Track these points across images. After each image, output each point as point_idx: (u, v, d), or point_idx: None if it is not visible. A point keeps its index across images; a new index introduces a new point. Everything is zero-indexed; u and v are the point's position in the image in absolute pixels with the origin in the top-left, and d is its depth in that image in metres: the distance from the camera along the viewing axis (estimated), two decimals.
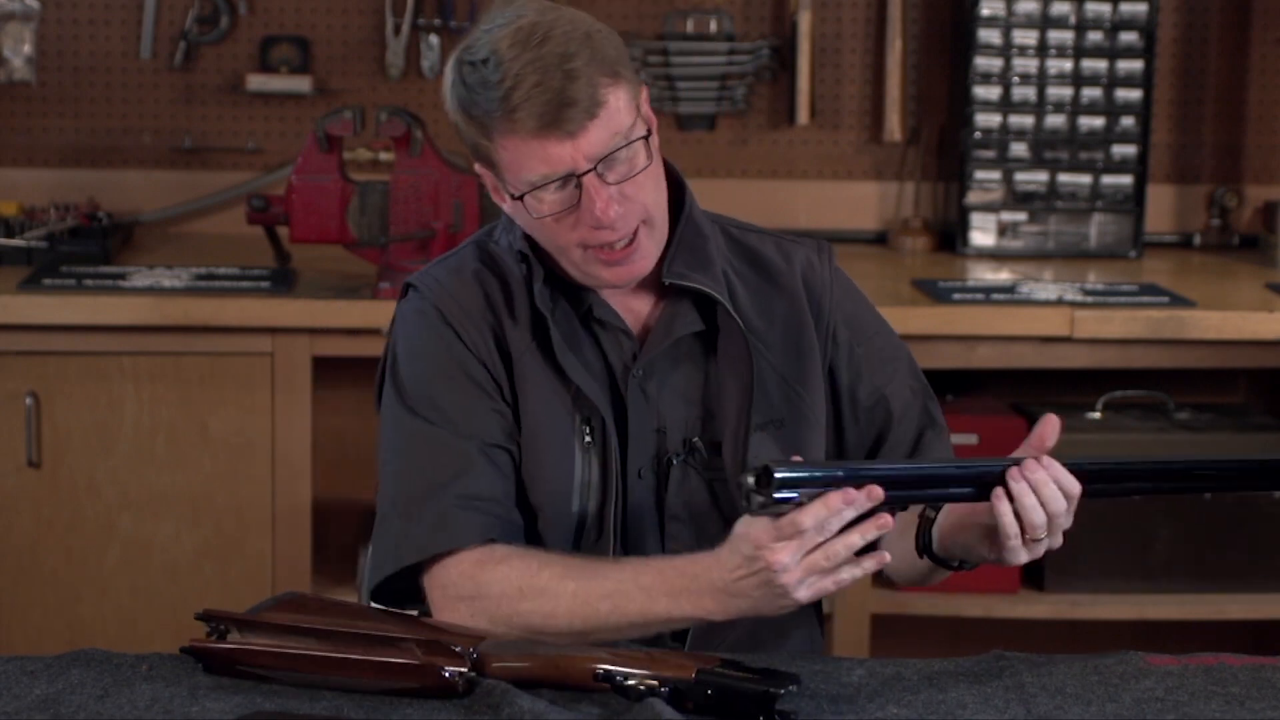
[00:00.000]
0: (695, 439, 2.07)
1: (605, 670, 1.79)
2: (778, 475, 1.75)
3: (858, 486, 1.77)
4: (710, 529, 2.06)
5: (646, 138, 1.97)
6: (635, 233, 1.98)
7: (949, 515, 1.97)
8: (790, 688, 1.75)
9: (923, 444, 2.16)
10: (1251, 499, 3.71)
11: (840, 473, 1.79)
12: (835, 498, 1.75)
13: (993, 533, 1.88)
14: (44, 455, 3.43)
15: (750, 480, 1.77)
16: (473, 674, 1.80)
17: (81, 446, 3.43)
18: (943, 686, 1.88)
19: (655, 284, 2.07)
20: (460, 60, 1.96)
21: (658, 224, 2.02)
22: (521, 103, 1.90)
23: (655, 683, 1.77)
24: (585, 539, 2.05)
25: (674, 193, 2.08)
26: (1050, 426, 1.91)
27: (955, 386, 3.86)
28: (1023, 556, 1.89)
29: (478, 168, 2.03)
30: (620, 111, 1.94)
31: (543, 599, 1.92)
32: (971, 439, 3.69)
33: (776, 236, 2.19)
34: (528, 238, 2.05)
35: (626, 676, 1.78)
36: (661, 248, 2.04)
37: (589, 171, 1.93)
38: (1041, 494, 1.88)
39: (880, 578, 2.17)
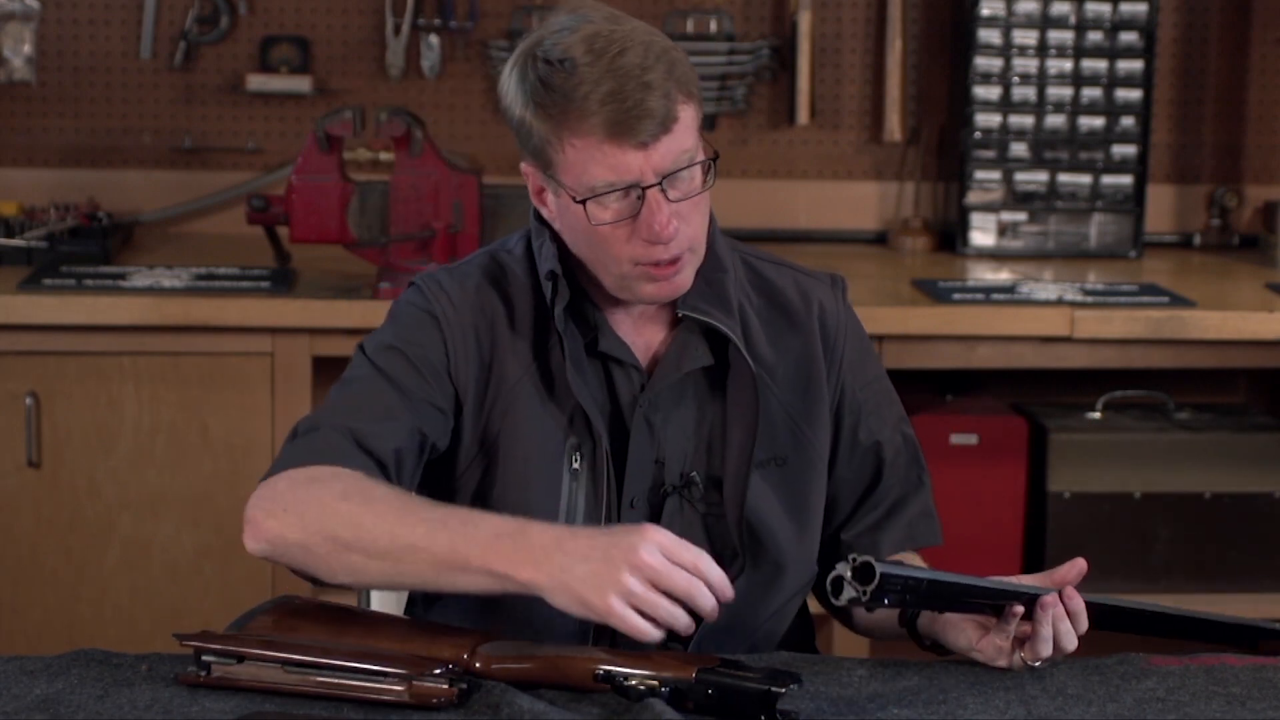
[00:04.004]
0: (694, 473, 2.05)
1: (605, 671, 1.79)
2: (882, 573, 1.74)
3: (945, 593, 1.80)
4: None
5: (713, 161, 1.97)
6: (681, 253, 1.98)
7: None
8: (791, 687, 1.75)
9: (907, 499, 2.18)
10: (1252, 499, 3.71)
11: (927, 579, 1.79)
12: (728, 590, 1.76)
13: (973, 625, 1.92)
14: (44, 455, 3.43)
15: (848, 573, 1.76)
16: (464, 685, 1.78)
17: (81, 446, 3.43)
18: (943, 687, 1.88)
19: (668, 313, 2.06)
20: (533, 56, 1.93)
21: (700, 250, 2.01)
22: (599, 107, 1.89)
23: (655, 683, 1.77)
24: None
25: None
26: (1076, 571, 1.93)
27: (955, 386, 3.86)
28: (1002, 662, 1.92)
29: (525, 167, 2.01)
30: (689, 130, 1.94)
31: (362, 507, 1.85)
32: (971, 439, 3.69)
33: (795, 271, 2.17)
34: (561, 256, 2.03)
35: (627, 677, 1.78)
36: (694, 273, 2.03)
37: (655, 185, 1.92)
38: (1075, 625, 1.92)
39: (848, 620, 2.20)
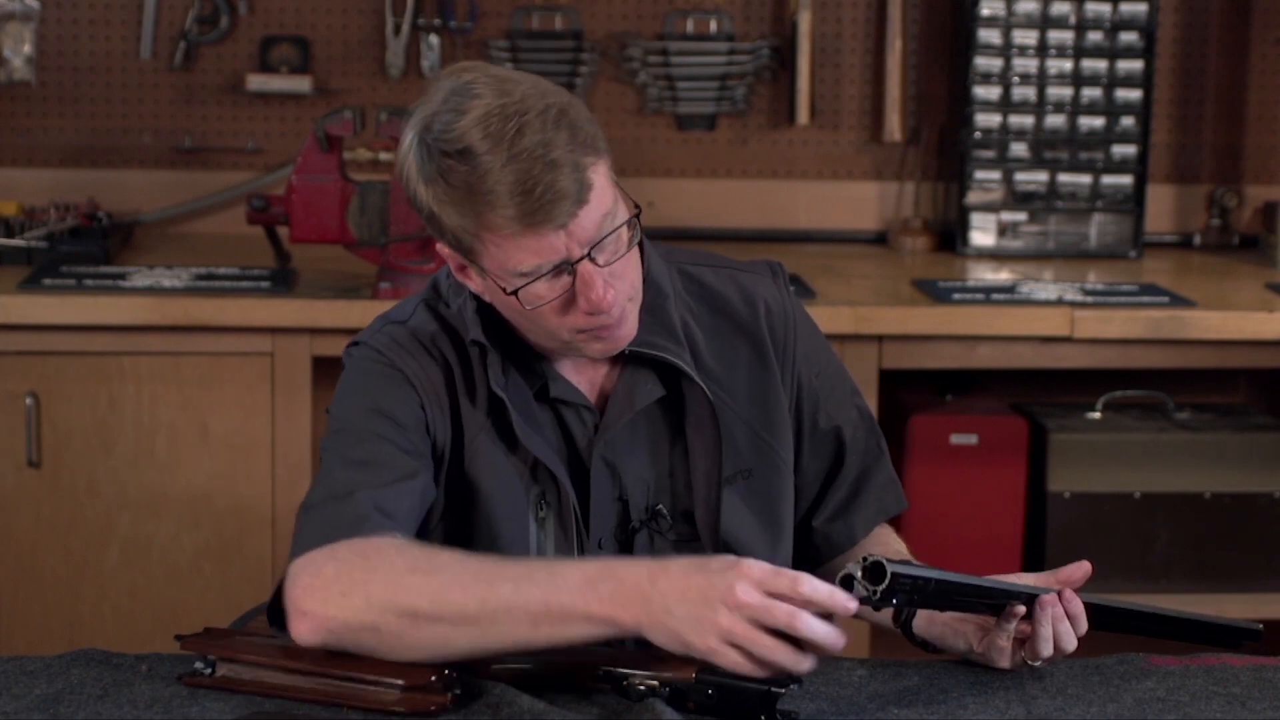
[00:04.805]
0: (659, 506, 2.02)
1: (605, 670, 1.79)
2: (892, 571, 1.74)
3: (950, 592, 1.80)
4: None
5: (637, 218, 1.91)
6: (622, 309, 1.93)
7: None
8: (791, 687, 1.75)
9: (870, 471, 2.16)
10: (1252, 499, 3.71)
11: (935, 578, 1.79)
12: (842, 599, 1.69)
13: (973, 627, 1.92)
14: (44, 455, 3.43)
15: (858, 572, 1.76)
16: (458, 691, 1.78)
17: (81, 446, 3.43)
18: (943, 687, 1.88)
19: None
20: (430, 147, 1.85)
21: (639, 296, 1.97)
22: (509, 199, 1.82)
23: (655, 683, 1.77)
24: None
25: None
26: (1081, 573, 1.93)
27: (955, 386, 3.86)
28: (1004, 663, 1.92)
29: (441, 248, 1.93)
30: (605, 190, 1.87)
31: (434, 575, 1.76)
32: (971, 439, 3.69)
33: (733, 270, 2.13)
34: (481, 315, 1.98)
35: (627, 677, 1.78)
36: (636, 321, 1.98)
37: (584, 257, 1.86)
38: (1075, 626, 1.92)
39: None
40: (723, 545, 2.03)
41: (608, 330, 1.93)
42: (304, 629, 1.78)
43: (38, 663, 1.87)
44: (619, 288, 1.90)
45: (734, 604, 1.67)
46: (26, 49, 3.85)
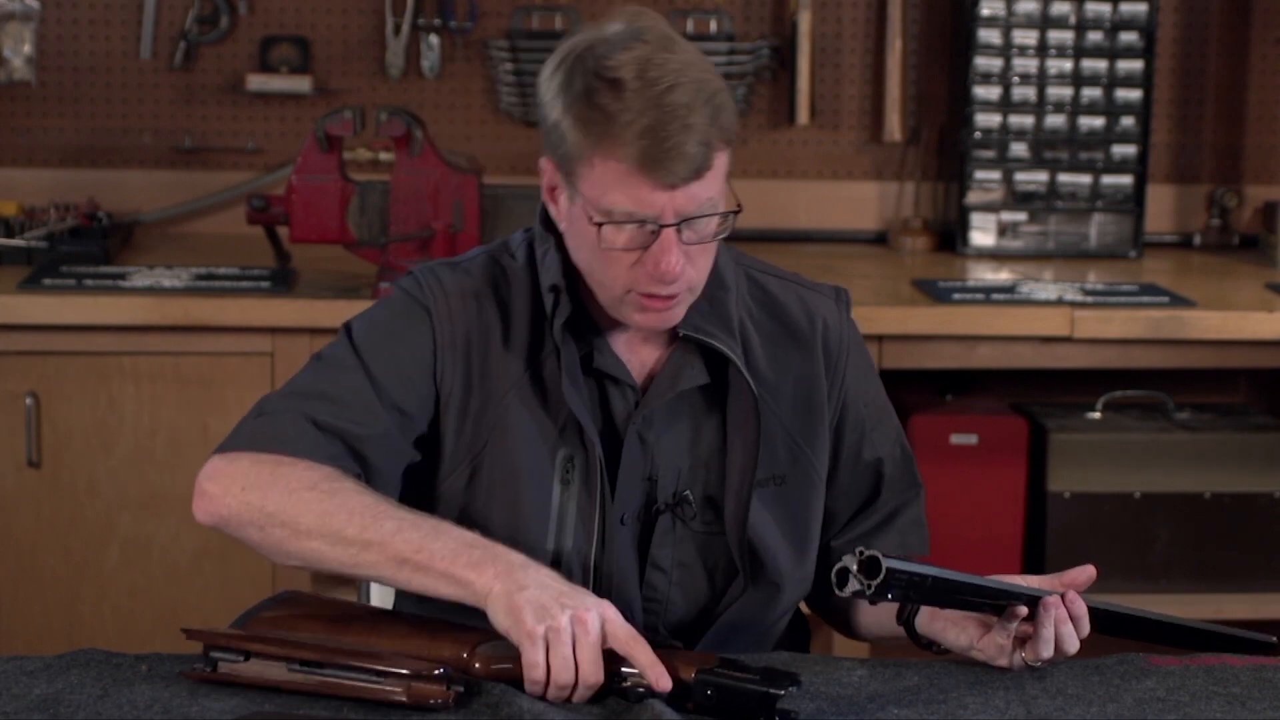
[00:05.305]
0: (687, 492, 2.03)
1: (607, 671, 1.79)
2: (888, 567, 1.75)
3: (948, 589, 1.82)
4: (692, 584, 2.05)
5: (734, 214, 1.96)
6: (680, 292, 1.96)
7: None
8: (790, 688, 1.75)
9: (900, 510, 2.18)
10: (1252, 499, 3.72)
11: (932, 575, 1.80)
12: (663, 683, 1.75)
13: (975, 624, 1.93)
14: (44, 455, 3.43)
15: (853, 565, 1.77)
16: (461, 688, 1.78)
17: (81, 446, 3.43)
18: (943, 687, 1.88)
19: (668, 331, 2.04)
20: (583, 64, 1.90)
21: (698, 291, 2.00)
22: (636, 139, 1.87)
23: None
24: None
25: None
26: (1086, 576, 1.94)
27: (955, 386, 3.86)
28: (1003, 661, 1.93)
29: (544, 162, 1.98)
30: (719, 178, 1.93)
31: (329, 498, 1.88)
32: (971, 439, 3.69)
33: (799, 285, 2.16)
34: (565, 268, 2.01)
35: (627, 677, 1.78)
36: (686, 309, 2.01)
37: (672, 225, 1.90)
38: (1077, 629, 1.93)
39: (844, 626, 2.21)
40: (748, 546, 2.03)
41: (659, 304, 1.95)
42: (200, 507, 1.94)
43: (38, 663, 1.87)
44: (688, 270, 1.94)
45: (579, 618, 1.76)
46: (26, 49, 3.85)
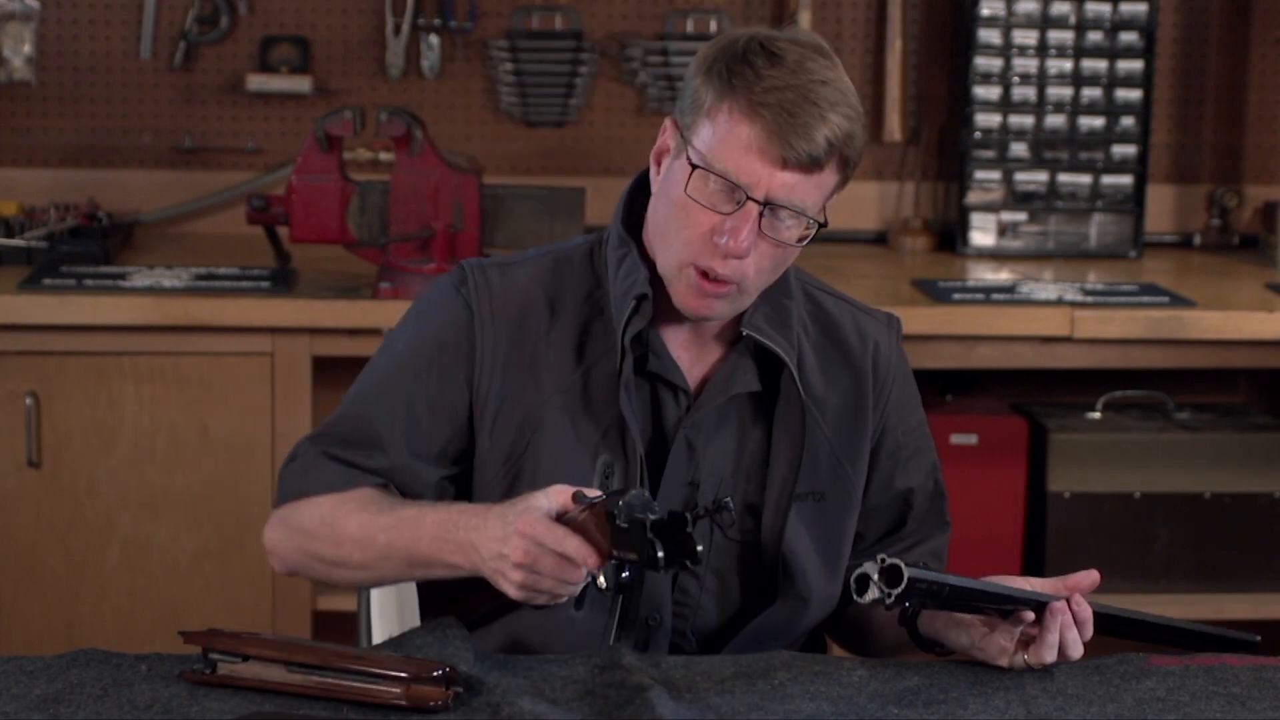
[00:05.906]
0: (727, 498, 2.00)
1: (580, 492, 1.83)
2: (910, 576, 1.76)
3: (962, 596, 1.83)
4: (724, 591, 2.05)
5: (820, 227, 1.96)
6: (733, 280, 1.95)
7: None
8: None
9: (923, 540, 2.18)
10: (1252, 499, 3.71)
11: (950, 584, 1.81)
12: (592, 561, 1.81)
13: (977, 624, 1.93)
14: (44, 455, 3.43)
15: (874, 573, 1.77)
16: (459, 690, 1.79)
17: (81, 446, 3.43)
18: (943, 687, 1.88)
19: (724, 335, 2.05)
20: (754, 41, 1.93)
21: (750, 295, 1.99)
22: (768, 105, 1.88)
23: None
24: (593, 581, 2.00)
25: None
26: (1090, 580, 1.94)
27: (955, 386, 3.86)
28: (1003, 662, 1.93)
29: (668, 121, 1.98)
30: (824, 188, 1.94)
31: (334, 528, 2.00)
32: (971, 439, 3.69)
33: (854, 307, 2.16)
34: (652, 274, 2.01)
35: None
36: (735, 313, 2.01)
37: (759, 204, 1.90)
38: (1081, 633, 1.94)
39: (850, 640, 2.21)
40: (783, 561, 2.04)
41: (711, 286, 1.94)
42: (275, 564, 2.10)
43: (38, 663, 1.87)
44: (752, 259, 1.93)
45: (521, 531, 1.81)
46: (26, 49, 3.85)
